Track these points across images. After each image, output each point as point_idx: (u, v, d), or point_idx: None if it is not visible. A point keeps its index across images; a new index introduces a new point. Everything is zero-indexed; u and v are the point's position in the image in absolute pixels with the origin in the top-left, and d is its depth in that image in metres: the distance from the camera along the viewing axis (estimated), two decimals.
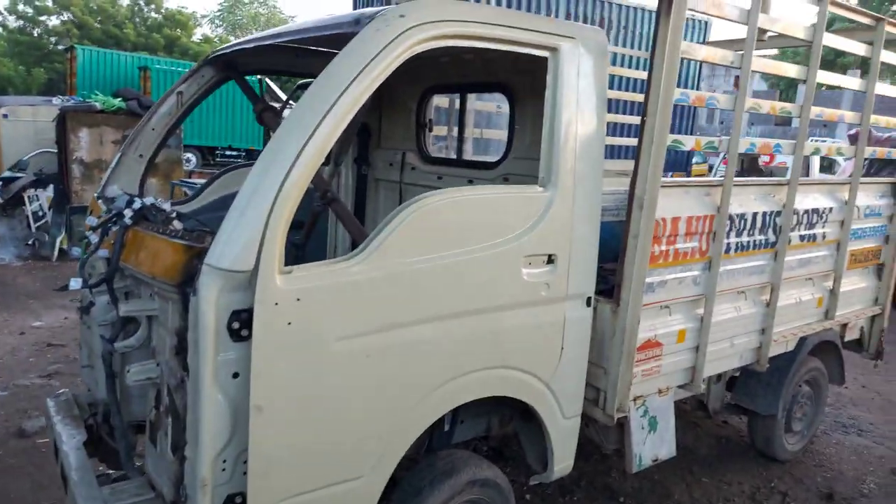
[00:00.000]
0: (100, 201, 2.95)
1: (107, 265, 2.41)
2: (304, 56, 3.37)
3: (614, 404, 2.87)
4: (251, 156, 18.38)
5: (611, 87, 7.02)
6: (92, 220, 2.72)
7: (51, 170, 9.82)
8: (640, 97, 4.33)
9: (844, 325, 4.29)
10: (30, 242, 9.34)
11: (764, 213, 3.45)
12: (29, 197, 9.32)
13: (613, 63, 6.93)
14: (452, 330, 2.35)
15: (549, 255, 2.56)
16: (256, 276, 1.90)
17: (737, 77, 3.12)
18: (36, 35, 32.07)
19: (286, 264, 1.99)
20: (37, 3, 31.51)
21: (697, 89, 11.33)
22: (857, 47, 3.80)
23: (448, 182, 3.71)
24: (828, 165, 10.93)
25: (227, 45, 3.20)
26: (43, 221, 9.43)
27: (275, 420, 2.00)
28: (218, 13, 42.35)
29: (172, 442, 2.15)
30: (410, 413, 2.32)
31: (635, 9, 10.83)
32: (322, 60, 2.32)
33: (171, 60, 22.12)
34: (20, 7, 31.26)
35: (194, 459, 1.99)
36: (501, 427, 3.14)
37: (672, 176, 10.92)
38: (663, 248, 2.98)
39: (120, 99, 10.20)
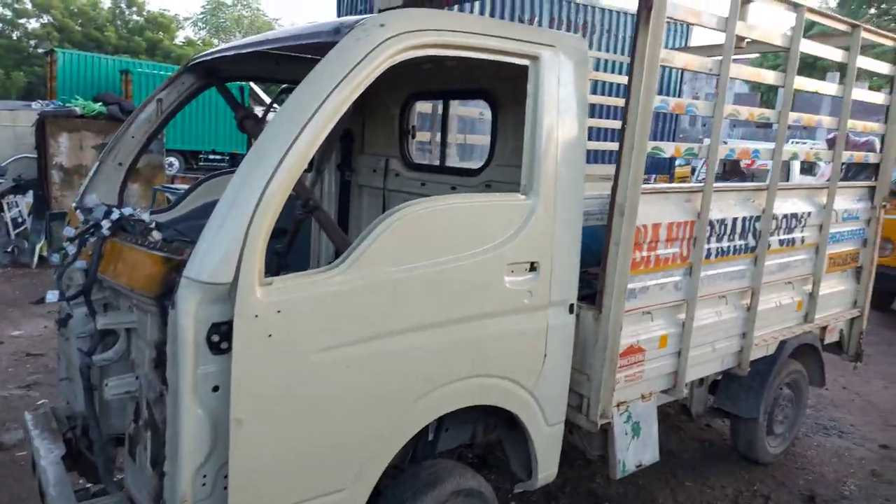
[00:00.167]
0: (77, 211, 2.92)
1: (84, 277, 2.38)
2: (285, 63, 3.36)
3: (598, 410, 2.88)
4: (235, 160, 18.26)
5: (594, 92, 7.04)
6: (69, 231, 2.68)
7: (30, 175, 9.67)
8: (623, 102, 4.36)
9: (824, 328, 4.34)
10: (9, 249, 9.20)
11: (744, 219, 3.48)
12: (8, 203, 9.18)
13: (597, 68, 6.97)
14: (435, 339, 2.34)
15: (532, 263, 2.56)
16: (236, 289, 1.88)
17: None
18: (15, 38, 31.69)
19: (268, 273, 1.97)
20: (16, 5, 31.14)
21: (680, 92, 11.45)
22: (833, 53, 3.85)
23: (431, 188, 3.71)
24: (808, 167, 11.08)
25: (207, 51, 3.17)
26: (22, 228, 9.29)
27: (255, 434, 1.98)
28: (201, 16, 42.08)
29: (152, 456, 2.13)
30: (393, 424, 2.31)
31: (618, 12, 10.91)
32: (304, 67, 2.31)
33: (154, 64, 21.94)
34: None
35: (174, 474, 1.97)
36: (486, 435, 3.14)
37: (655, 178, 11.02)
38: (644, 254, 3.00)
39: (100, 103, 10.09)
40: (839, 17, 3.85)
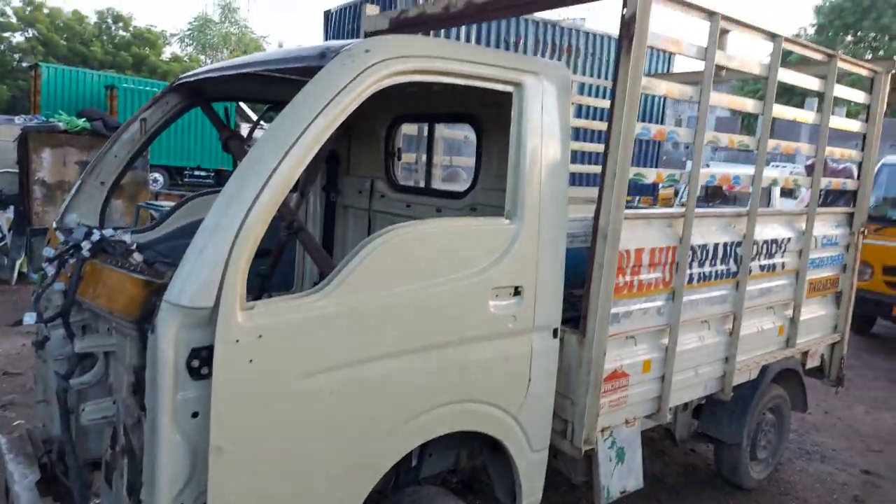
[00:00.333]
0: (58, 231, 2.88)
1: (63, 299, 2.35)
2: (271, 84, 3.36)
3: (582, 436, 2.87)
4: (220, 176, 18.17)
5: (577, 116, 7.12)
6: (49, 252, 2.65)
7: (11, 191, 9.55)
8: (606, 126, 4.42)
9: (805, 353, 4.38)
10: None
11: (725, 244, 3.52)
12: None
13: (581, 91, 7.06)
14: (419, 364, 2.33)
15: (516, 287, 2.57)
16: (217, 313, 1.86)
17: None
18: None
19: (251, 293, 1.95)
20: (0, 19, 30.96)
21: (663, 114, 11.61)
22: (811, 82, 3.93)
23: (417, 210, 3.71)
24: (789, 190, 11.25)
25: (192, 72, 3.17)
26: (2, 244, 9.16)
27: (235, 461, 1.95)
28: (188, 32, 42.03)
29: (128, 483, 2.09)
30: (376, 450, 2.29)
31: (602, 36, 11.08)
32: (290, 88, 2.31)
33: (139, 79, 21.82)
34: None
35: (151, 502, 1.93)
36: (470, 460, 3.11)
37: (640, 200, 11.13)
38: (628, 278, 3.02)
39: (84, 119, 10.01)
40: (816, 46, 3.93)
